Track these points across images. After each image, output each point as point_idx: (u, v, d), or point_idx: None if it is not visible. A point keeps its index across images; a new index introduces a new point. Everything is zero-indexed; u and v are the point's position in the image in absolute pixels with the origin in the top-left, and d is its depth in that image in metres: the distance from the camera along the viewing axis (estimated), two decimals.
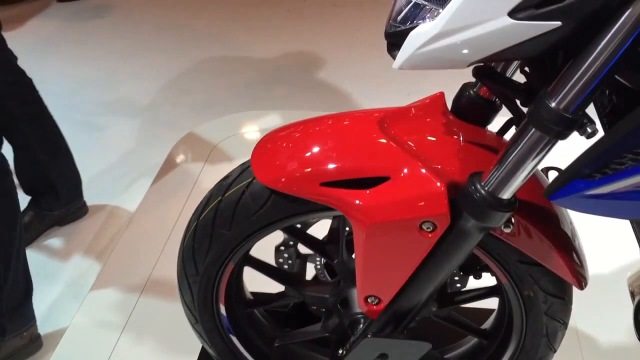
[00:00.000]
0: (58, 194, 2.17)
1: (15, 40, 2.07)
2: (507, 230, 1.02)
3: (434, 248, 1.02)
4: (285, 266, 1.31)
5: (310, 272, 1.36)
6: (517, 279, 1.15)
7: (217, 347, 1.39)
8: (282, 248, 1.30)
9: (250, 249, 1.26)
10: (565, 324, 1.23)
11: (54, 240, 2.19)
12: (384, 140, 1.03)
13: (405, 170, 0.99)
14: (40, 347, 1.78)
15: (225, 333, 1.37)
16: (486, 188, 0.93)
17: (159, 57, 3.41)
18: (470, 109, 1.08)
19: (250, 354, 1.42)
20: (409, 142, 1.03)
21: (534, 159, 0.88)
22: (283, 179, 1.05)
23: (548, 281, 1.15)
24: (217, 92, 3.06)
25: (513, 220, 1.01)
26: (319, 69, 3.21)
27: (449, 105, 1.11)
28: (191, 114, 2.90)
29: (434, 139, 1.05)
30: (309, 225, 1.33)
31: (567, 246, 1.09)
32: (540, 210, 1.08)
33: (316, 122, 1.11)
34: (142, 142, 2.71)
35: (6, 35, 1.91)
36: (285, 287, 1.34)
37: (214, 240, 1.19)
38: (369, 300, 1.12)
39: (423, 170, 0.98)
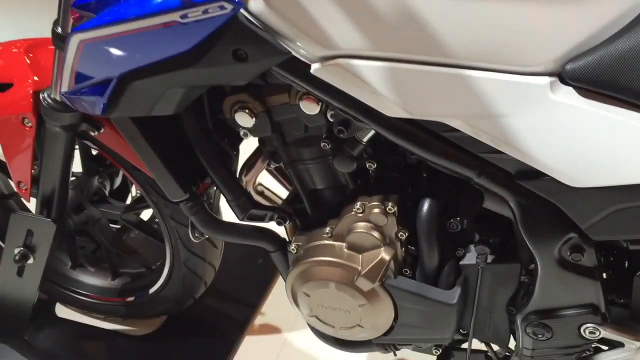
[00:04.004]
0: None
1: None
2: (94, 133, 1.31)
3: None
4: None
5: None
6: (147, 188, 1.43)
7: None
8: None
9: None
10: (198, 256, 1.54)
11: None
12: (23, 59, 1.35)
13: (23, 81, 1.31)
14: None
15: None
16: (50, 95, 1.23)
17: None
18: None
19: None
20: (40, 63, 1.35)
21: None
22: None
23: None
24: None
25: (103, 127, 1.31)
26: None
27: None
28: None
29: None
30: None
31: None
32: None
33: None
34: None
35: None
36: None
37: None
38: (20, 185, 1.44)
39: (29, 82, 1.30)
